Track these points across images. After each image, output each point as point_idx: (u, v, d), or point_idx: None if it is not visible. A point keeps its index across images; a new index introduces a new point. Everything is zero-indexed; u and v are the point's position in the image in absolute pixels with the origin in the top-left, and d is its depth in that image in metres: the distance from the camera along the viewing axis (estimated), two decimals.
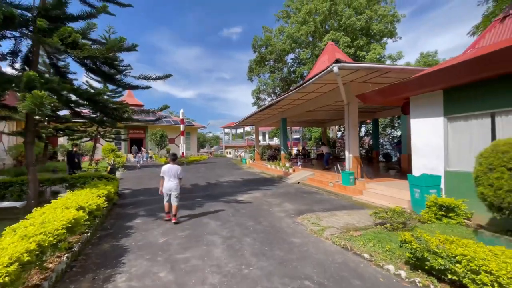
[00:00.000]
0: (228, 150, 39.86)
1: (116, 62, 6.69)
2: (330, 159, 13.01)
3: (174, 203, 5.63)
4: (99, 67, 6.81)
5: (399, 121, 23.44)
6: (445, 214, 5.29)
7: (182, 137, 22.56)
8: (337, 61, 6.90)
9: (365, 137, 30.63)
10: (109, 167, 10.51)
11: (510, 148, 3.32)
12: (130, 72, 7.04)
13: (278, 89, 26.81)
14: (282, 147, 16.05)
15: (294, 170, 14.05)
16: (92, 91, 8.37)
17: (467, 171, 5.61)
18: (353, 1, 24.46)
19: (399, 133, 26.50)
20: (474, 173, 3.78)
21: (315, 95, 11.40)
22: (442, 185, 6.02)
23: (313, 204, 7.04)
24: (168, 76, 7.05)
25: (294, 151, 26.12)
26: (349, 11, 23.19)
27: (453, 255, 2.44)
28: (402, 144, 10.47)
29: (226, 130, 44.38)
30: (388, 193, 7.47)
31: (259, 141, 23.48)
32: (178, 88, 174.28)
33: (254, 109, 24.77)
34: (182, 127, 22.32)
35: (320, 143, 28.94)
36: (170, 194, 5.66)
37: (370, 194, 7.87)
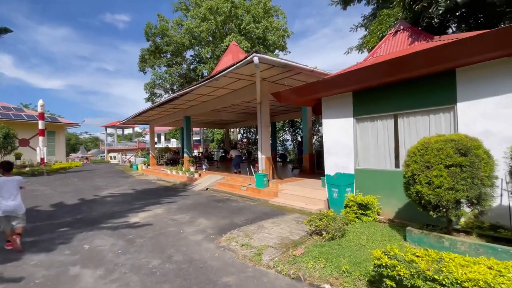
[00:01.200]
0: (112, 154, 33.26)
1: None
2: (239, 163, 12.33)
3: (20, 224, 4.09)
4: None
5: (288, 125, 26.09)
6: (363, 212, 5.39)
7: (41, 138, 16.58)
8: (257, 51, 6.13)
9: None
10: None
11: (443, 145, 3.31)
12: None
13: (177, 85, 24.31)
14: (185, 150, 14.20)
15: (200, 175, 12.56)
16: None
17: (373, 169, 6.01)
18: (251, 8, 25.38)
19: (287, 137, 29.62)
20: (408, 171, 3.70)
21: (224, 92, 10.42)
22: (354, 183, 6.27)
23: (232, 216, 5.94)
24: (4, 31, 4.23)
25: (195, 153, 24.42)
26: (248, 17, 23.83)
27: (457, 281, 1.90)
28: (304, 145, 11.05)
29: (110, 130, 37.04)
30: (302, 193, 7.35)
31: (155, 143, 20.39)
32: (39, 75, 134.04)
33: (148, 106, 21.19)
34: (40, 124, 16.44)
35: (222, 145, 28.44)
36: (9, 217, 4.00)
37: (285, 195, 7.55)
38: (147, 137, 54.33)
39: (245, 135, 32.10)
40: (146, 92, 25.03)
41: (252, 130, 32.25)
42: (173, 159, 19.52)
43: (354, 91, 6.22)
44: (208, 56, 27.39)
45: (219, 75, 7.35)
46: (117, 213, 6.55)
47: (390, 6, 8.44)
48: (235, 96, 10.37)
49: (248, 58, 6.18)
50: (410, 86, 5.29)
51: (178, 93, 9.92)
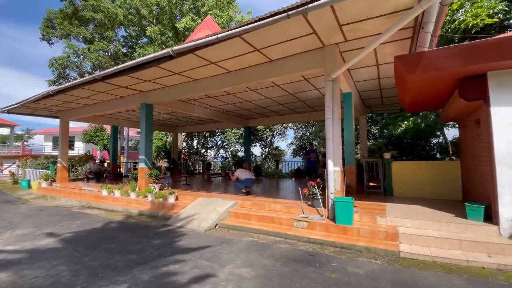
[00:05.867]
0: None
1: None
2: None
3: None
4: None
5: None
6: None
7: None
8: None
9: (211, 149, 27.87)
10: None
11: None
12: None
13: (107, 65, 17.16)
14: (143, 157, 8.76)
15: (177, 199, 7.63)
16: None
17: None
18: None
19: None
20: None
21: (250, 62, 6.39)
22: None
23: None
24: None
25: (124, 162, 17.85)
26: (212, 1, 19.84)
27: None
28: (346, 152, 7.95)
29: None
30: (442, 234, 4.22)
31: (69, 149, 13.02)
32: None
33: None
34: None
35: (162, 154, 22.18)
36: None
37: (415, 239, 4.21)
38: (30, 142, 39.48)
39: (187, 143, 26.74)
40: (53, 71, 16.75)
41: (195, 138, 27.23)
42: (98, 172, 13.00)
43: None
44: (147, 41, 21.56)
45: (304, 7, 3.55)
46: None
47: None
48: (263, 72, 6.44)
49: None
50: None
51: (176, 48, 5.25)
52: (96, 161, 13.73)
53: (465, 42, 3.99)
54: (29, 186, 12.57)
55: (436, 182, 6.74)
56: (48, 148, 29.89)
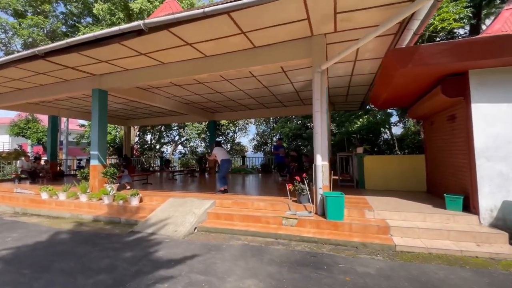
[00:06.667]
0: None
1: None
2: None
3: None
4: None
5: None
6: None
7: None
8: None
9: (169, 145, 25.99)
10: None
11: None
12: None
13: (42, 45, 14.35)
14: (96, 152, 7.42)
15: (142, 200, 6.67)
16: None
17: None
18: None
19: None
20: None
21: (231, 47, 5.80)
22: None
23: None
24: None
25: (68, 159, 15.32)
26: None
27: None
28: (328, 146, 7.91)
29: None
30: (427, 225, 4.38)
31: None
32: None
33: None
34: None
35: (111, 149, 19.75)
36: None
37: (407, 233, 4.25)
38: None
39: (140, 138, 24.48)
40: None
41: (149, 132, 25.09)
42: (33, 172, 10.85)
43: None
44: (91, 21, 18.90)
45: None
46: None
47: None
48: (245, 59, 5.91)
49: None
50: None
51: (149, 21, 4.33)
52: (31, 158, 11.41)
53: (454, 40, 4.10)
54: None
55: (403, 175, 7.14)
56: None
